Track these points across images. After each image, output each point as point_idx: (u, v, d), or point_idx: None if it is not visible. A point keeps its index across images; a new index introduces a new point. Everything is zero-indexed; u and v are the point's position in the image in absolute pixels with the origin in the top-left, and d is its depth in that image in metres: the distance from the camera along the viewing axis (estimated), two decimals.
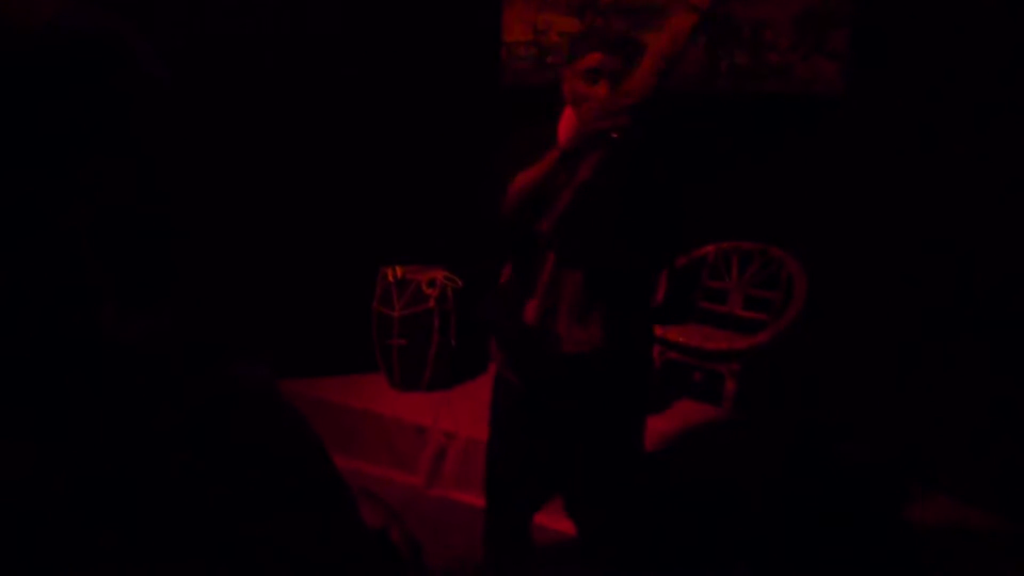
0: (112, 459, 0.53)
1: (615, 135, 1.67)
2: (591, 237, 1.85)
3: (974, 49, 2.79)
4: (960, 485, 2.86)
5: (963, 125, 2.85)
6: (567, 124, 1.89)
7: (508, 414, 2.08)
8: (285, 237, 3.60)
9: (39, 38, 0.52)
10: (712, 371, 3.31)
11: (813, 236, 3.27)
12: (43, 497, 0.51)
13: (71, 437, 0.52)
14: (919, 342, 3.01)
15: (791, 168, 3.24)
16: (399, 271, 3.59)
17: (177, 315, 0.60)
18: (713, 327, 3.42)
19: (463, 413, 3.34)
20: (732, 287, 3.50)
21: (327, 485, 0.63)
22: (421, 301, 3.54)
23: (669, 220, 1.96)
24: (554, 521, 2.69)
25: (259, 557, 0.57)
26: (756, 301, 3.43)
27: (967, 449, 2.88)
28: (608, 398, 2.01)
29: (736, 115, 3.33)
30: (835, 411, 3.26)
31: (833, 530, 2.76)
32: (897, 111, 3.02)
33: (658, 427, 3.04)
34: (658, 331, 3.20)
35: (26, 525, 0.50)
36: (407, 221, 3.71)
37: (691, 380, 3.46)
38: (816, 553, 2.65)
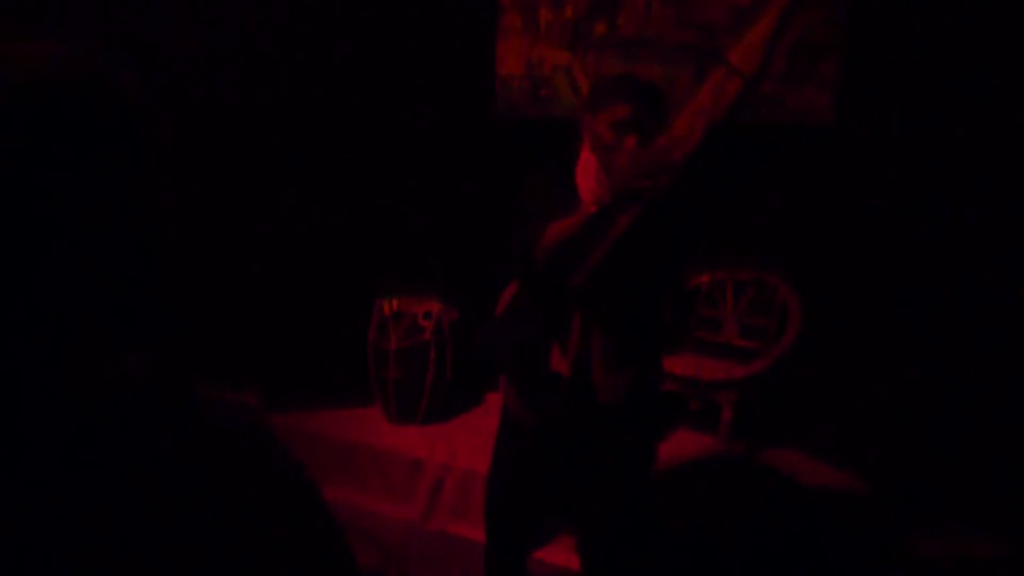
0: (88, 497, 0.52)
1: (654, 194, 1.67)
2: (623, 291, 1.87)
3: (963, 78, 2.83)
4: (963, 513, 2.83)
5: (952, 153, 2.88)
6: (586, 168, 1.88)
7: (518, 453, 2.07)
8: (281, 269, 3.61)
9: (40, 89, 0.53)
10: (709, 400, 3.30)
11: (807, 264, 3.28)
12: (8, 534, 0.50)
13: (42, 476, 0.51)
14: (916, 368, 3.01)
15: (784, 196, 3.26)
16: (395, 303, 3.58)
17: (163, 350, 0.59)
18: (709, 356, 3.41)
19: (460, 445, 3.32)
20: (727, 316, 3.51)
21: (320, 530, 0.62)
22: (417, 333, 3.53)
23: (683, 261, 2.00)
24: (551, 555, 2.67)
25: None
26: (751, 329, 3.43)
27: (969, 475, 2.86)
28: (630, 439, 2.05)
29: (730, 144, 3.35)
30: (833, 438, 3.25)
31: (832, 561, 2.73)
32: (887, 140, 3.04)
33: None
34: None
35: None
36: (403, 253, 3.71)
37: (687, 409, 3.45)
38: None
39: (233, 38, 3.53)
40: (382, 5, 3.69)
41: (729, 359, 3.35)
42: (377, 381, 3.62)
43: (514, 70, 3.87)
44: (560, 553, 2.68)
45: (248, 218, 3.56)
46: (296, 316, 3.60)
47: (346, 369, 3.69)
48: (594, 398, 1.93)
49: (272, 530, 0.58)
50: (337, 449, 3.38)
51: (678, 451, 3.20)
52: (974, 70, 2.80)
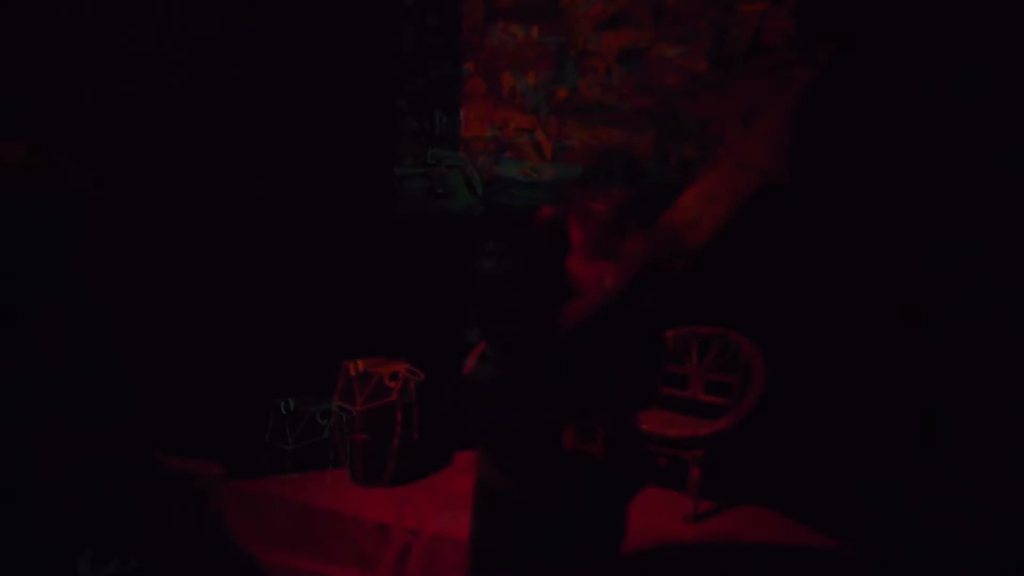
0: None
1: (670, 277, 1.73)
2: (639, 364, 1.95)
3: (908, 139, 2.94)
4: (930, 568, 2.85)
5: (904, 209, 2.97)
6: (580, 240, 1.94)
7: (505, 523, 2.05)
8: (245, 332, 3.58)
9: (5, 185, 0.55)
10: (676, 457, 3.29)
11: (768, 320, 3.34)
12: None
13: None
14: (881, 423, 3.05)
15: (744, 255, 3.32)
16: (361, 365, 3.56)
17: (124, 424, 0.59)
18: (676, 412, 3.43)
19: (428, 508, 3.26)
20: (692, 372, 3.53)
21: None
22: (383, 395, 3.51)
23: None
24: None
25: None
26: (717, 385, 3.46)
27: (936, 531, 2.87)
28: (619, 498, 2.10)
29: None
30: (799, 494, 3.26)
31: None
32: (840, 197, 3.14)
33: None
34: None
35: None
36: (368, 314, 3.71)
37: (655, 466, 3.44)
38: None
39: (185, 118, 3.56)
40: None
41: (695, 416, 3.36)
42: (343, 443, 3.57)
43: (479, 132, 3.95)
44: None
45: (212, 280, 3.54)
46: (262, 379, 3.56)
47: (311, 431, 3.64)
48: (597, 464, 1.95)
49: None
50: (301, 515, 3.31)
51: (647, 508, 3.18)
52: (917, 133, 2.91)
